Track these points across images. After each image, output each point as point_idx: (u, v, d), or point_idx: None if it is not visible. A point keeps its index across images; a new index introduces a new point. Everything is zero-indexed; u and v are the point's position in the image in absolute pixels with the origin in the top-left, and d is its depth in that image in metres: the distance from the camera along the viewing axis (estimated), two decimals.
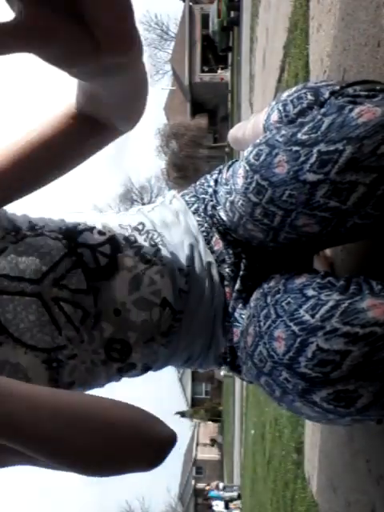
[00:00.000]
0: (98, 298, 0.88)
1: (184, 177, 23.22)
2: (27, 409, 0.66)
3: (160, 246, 0.95)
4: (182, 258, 0.96)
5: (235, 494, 15.96)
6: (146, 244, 0.95)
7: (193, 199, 1.03)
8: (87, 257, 0.89)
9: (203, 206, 1.01)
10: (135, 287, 0.91)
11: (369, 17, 1.14)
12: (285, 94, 0.90)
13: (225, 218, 0.96)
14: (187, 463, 35.43)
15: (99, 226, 0.94)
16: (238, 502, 15.36)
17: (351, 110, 0.73)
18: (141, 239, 0.95)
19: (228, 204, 0.93)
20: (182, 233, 0.98)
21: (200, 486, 30.07)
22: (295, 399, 0.74)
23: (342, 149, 0.72)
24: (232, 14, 16.64)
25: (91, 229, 0.93)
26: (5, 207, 0.90)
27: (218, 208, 0.99)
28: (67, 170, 0.84)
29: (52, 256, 0.87)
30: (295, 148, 0.77)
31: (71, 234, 0.91)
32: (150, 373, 1.00)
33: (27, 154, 0.81)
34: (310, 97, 0.84)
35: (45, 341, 0.84)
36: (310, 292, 0.77)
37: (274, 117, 0.90)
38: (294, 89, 0.88)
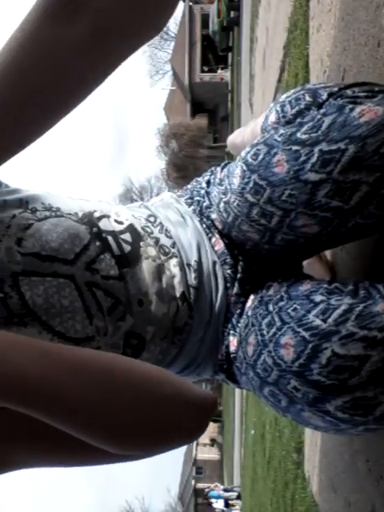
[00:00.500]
0: (126, 286, 0.83)
1: (184, 177, 23.20)
2: (45, 362, 0.59)
3: (176, 241, 0.92)
4: (192, 253, 0.93)
5: (235, 494, 15.96)
6: (163, 235, 0.91)
7: (189, 201, 1.02)
8: (112, 243, 0.84)
9: (199, 208, 0.99)
10: (158, 278, 0.86)
11: (369, 17, 1.14)
12: (283, 96, 0.89)
13: (217, 219, 0.95)
14: (187, 463, 35.40)
15: (114, 215, 0.89)
16: (237, 502, 15.35)
17: (352, 110, 0.73)
18: (156, 231, 0.91)
19: (222, 204, 0.92)
20: (191, 232, 0.96)
21: (200, 486, 30.05)
22: (304, 409, 0.71)
23: (344, 148, 0.71)
24: (232, 13, 16.63)
25: (107, 216, 0.88)
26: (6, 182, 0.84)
27: (210, 209, 0.97)
28: (70, 100, 0.62)
29: (81, 238, 0.81)
30: (295, 147, 0.76)
31: (91, 219, 0.85)
32: None
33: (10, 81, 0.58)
34: (307, 98, 0.83)
35: (75, 329, 0.78)
36: (317, 298, 0.74)
37: (272, 118, 0.90)
38: (292, 91, 0.88)
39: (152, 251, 0.87)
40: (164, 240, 0.91)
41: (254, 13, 7.50)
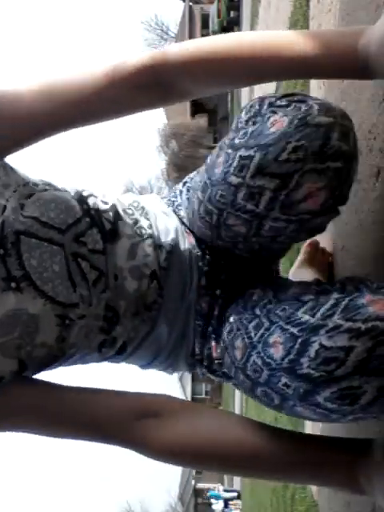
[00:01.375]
0: (107, 261, 0.91)
1: (184, 177, 23.18)
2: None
3: (152, 223, 0.99)
4: (167, 237, 0.99)
5: (235, 494, 15.98)
6: (142, 218, 0.98)
7: (168, 202, 1.07)
8: (97, 220, 0.92)
9: (173, 208, 1.05)
10: (132, 256, 0.93)
11: (369, 17, 1.14)
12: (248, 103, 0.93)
13: (185, 216, 1.02)
14: None
15: (100, 196, 0.97)
16: (237, 502, 15.36)
17: (268, 119, 0.79)
18: (137, 214, 0.99)
19: (185, 202, 1.01)
20: (171, 221, 1.02)
21: (200, 486, 30.07)
22: (296, 404, 0.74)
23: (253, 155, 0.77)
24: (232, 13, 16.66)
25: (95, 196, 0.96)
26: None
27: (180, 207, 1.04)
28: (95, 123, 0.87)
29: (75, 212, 0.89)
30: (229, 151, 0.82)
31: (81, 197, 0.93)
32: (131, 369, 1.02)
33: (65, 99, 0.82)
34: (256, 106, 0.87)
35: (63, 294, 0.85)
36: (306, 297, 0.77)
37: (233, 123, 0.95)
38: (252, 100, 0.91)
39: (129, 230, 0.95)
40: (142, 222, 0.98)
41: (253, 13, 7.51)
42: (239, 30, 13.76)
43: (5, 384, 0.84)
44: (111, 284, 0.91)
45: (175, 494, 36.40)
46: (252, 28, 7.73)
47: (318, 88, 1.86)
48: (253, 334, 0.79)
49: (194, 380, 34.25)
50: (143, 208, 1.00)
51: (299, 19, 2.63)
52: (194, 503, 32.08)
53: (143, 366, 1.04)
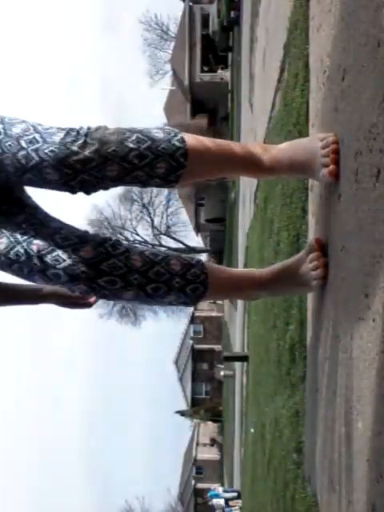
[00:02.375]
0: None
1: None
2: None
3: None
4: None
5: (235, 494, 15.98)
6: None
7: None
8: None
9: None
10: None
11: (369, 17, 1.14)
12: None
13: None
14: (187, 463, 35.48)
15: None
16: (237, 502, 15.37)
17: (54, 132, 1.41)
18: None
19: None
20: None
21: (200, 486, 30.11)
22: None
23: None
24: (232, 13, 16.66)
25: None
26: None
27: None
28: None
29: None
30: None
31: None
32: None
33: None
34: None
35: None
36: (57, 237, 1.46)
37: None
38: None
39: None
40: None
41: (253, 13, 7.53)
42: (239, 29, 13.76)
43: None
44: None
45: (175, 493, 36.43)
46: (252, 28, 7.73)
47: (318, 89, 1.86)
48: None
49: (194, 380, 34.27)
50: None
51: (299, 19, 2.64)
52: (194, 503, 32.12)
53: None
